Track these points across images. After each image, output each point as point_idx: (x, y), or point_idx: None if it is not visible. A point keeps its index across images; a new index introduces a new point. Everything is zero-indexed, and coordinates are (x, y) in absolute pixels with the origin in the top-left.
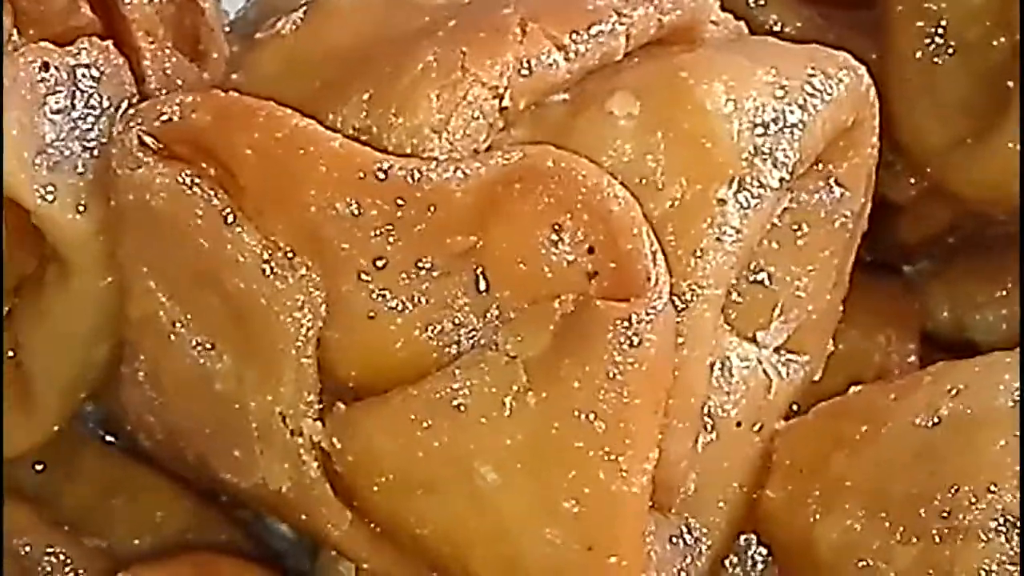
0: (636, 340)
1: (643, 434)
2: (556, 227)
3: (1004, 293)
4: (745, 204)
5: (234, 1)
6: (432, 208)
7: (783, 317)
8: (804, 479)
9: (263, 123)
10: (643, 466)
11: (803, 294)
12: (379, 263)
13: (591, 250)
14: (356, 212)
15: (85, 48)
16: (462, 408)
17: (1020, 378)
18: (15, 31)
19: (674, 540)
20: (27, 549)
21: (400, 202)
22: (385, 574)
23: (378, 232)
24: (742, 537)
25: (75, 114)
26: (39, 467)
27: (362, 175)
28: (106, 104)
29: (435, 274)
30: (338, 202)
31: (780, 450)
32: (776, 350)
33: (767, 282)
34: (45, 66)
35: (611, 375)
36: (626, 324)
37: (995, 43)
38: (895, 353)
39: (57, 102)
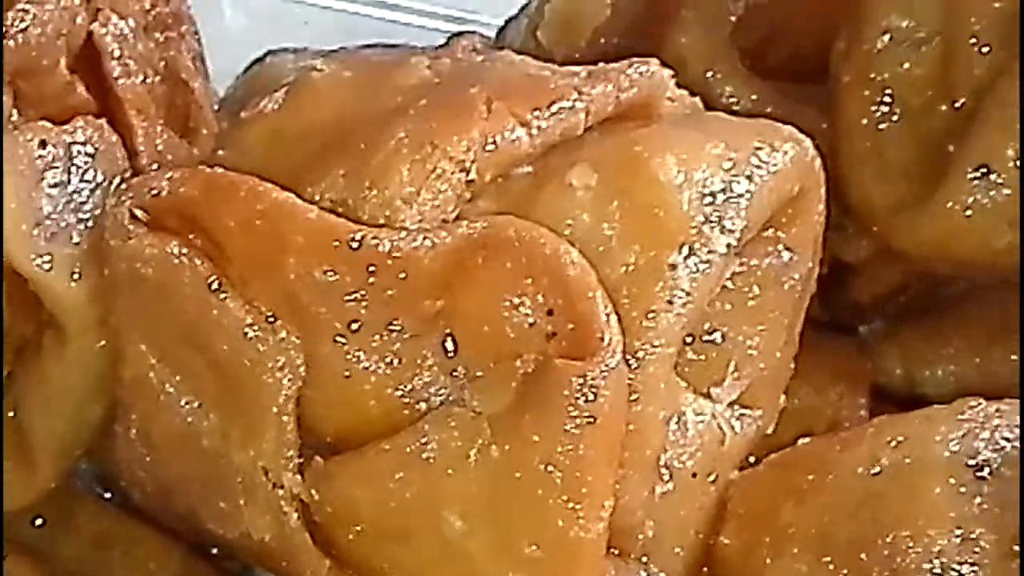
0: (591, 396)
1: (598, 484)
2: (518, 292)
3: (953, 351)
4: (695, 269)
5: (223, 81)
6: (403, 274)
7: (736, 374)
8: (756, 527)
9: (246, 197)
10: (599, 513)
11: (755, 352)
12: (353, 326)
13: (550, 312)
14: (332, 279)
15: (81, 126)
16: (431, 460)
17: (1021, 424)
18: (15, 111)
19: None
20: None
21: (372, 269)
22: None
23: (352, 297)
24: None
25: (71, 188)
26: (38, 522)
27: (337, 244)
28: (100, 178)
29: (406, 336)
30: (315, 270)
31: (734, 499)
32: (730, 405)
33: (720, 341)
34: (43, 144)
35: (568, 429)
36: (581, 381)
37: (937, 109)
38: (846, 408)
39: (54, 177)
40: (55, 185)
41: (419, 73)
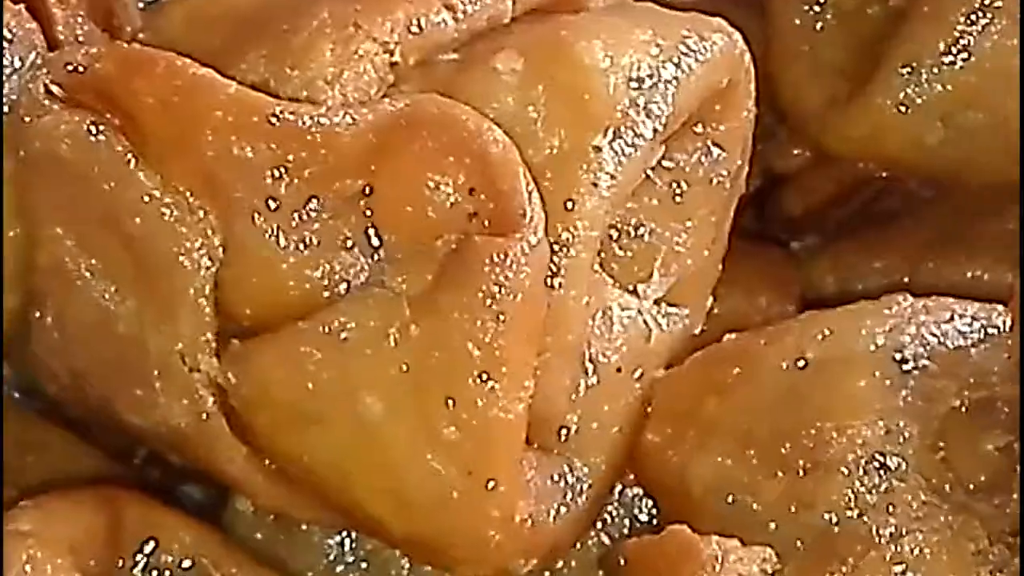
0: (511, 272)
1: (518, 361)
2: (440, 171)
3: (885, 264)
4: (620, 152)
5: None
6: (322, 152)
7: (663, 270)
8: (679, 422)
9: (163, 72)
10: (519, 393)
11: (682, 249)
12: (272, 204)
13: (472, 191)
14: (250, 155)
15: None
16: (349, 341)
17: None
18: None
19: (555, 478)
20: None
21: (292, 146)
22: (279, 508)
23: (271, 175)
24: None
25: None
26: None
27: (256, 119)
28: (17, 64)
29: (325, 216)
30: (233, 146)
31: (658, 396)
32: (656, 302)
33: (648, 237)
34: None
35: (487, 304)
36: (502, 256)
37: (869, 11)
38: (775, 314)
39: None
40: None
41: None
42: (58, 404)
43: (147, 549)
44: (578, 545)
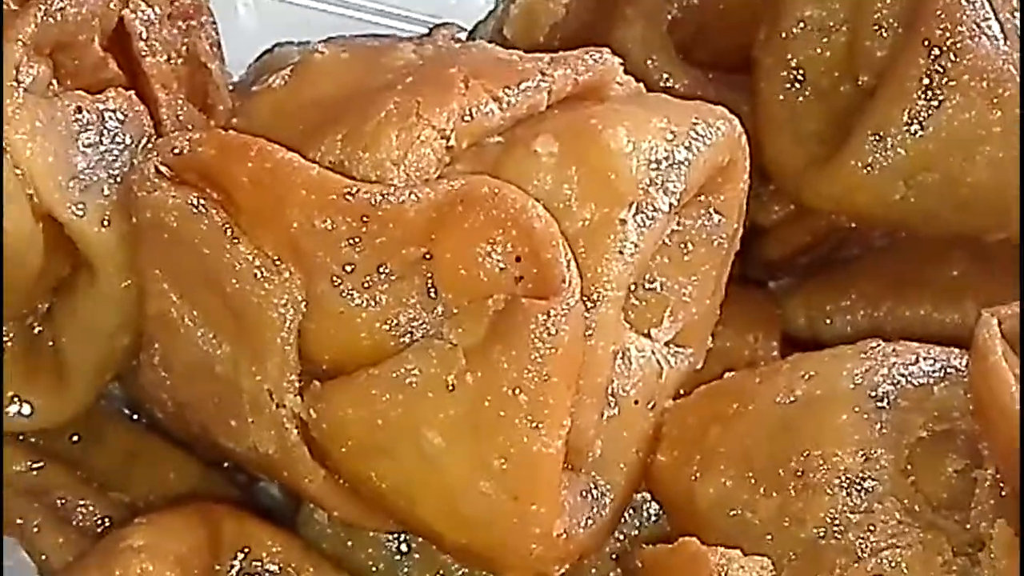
0: (553, 330)
1: (559, 406)
2: (490, 240)
3: (849, 303)
4: (642, 224)
5: (237, 71)
6: (390, 224)
7: (672, 317)
8: (687, 447)
9: (255, 155)
10: (559, 432)
11: (688, 299)
12: (348, 268)
13: (518, 259)
14: (329, 227)
15: (112, 96)
16: (413, 385)
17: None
18: (54, 80)
19: (583, 494)
20: (62, 502)
21: (364, 219)
22: (352, 521)
23: (347, 244)
24: (639, 496)
25: (102, 148)
26: (75, 438)
27: (334, 197)
28: (129, 141)
29: (392, 278)
30: (315, 219)
31: (668, 424)
32: (666, 344)
33: (659, 289)
34: (79, 109)
35: (533, 358)
36: (545, 317)
37: (842, 89)
38: (761, 349)
39: (88, 139)
40: (89, 145)
41: (406, 56)
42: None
43: (240, 557)
44: None
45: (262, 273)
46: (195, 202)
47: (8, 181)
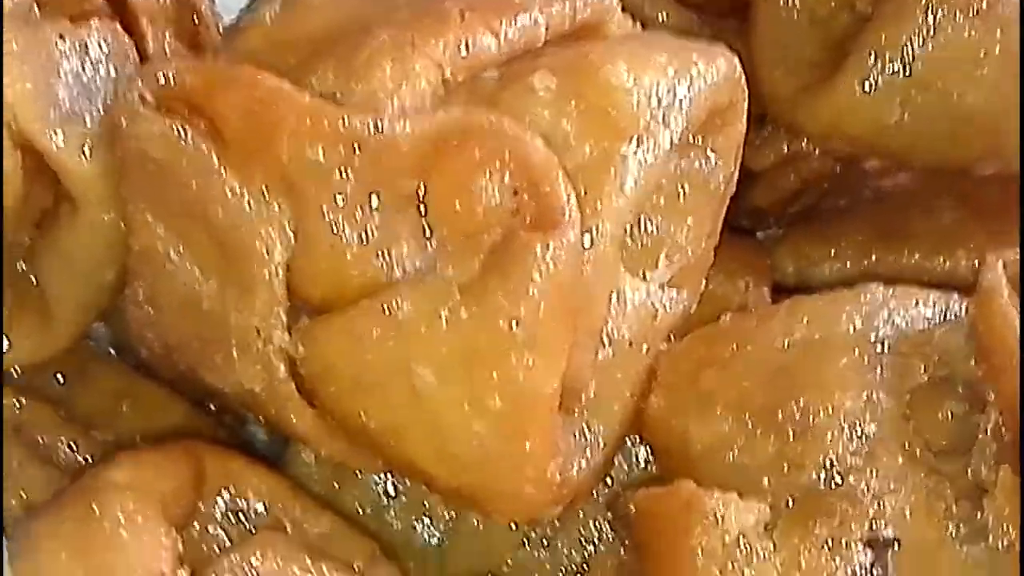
0: (553, 263)
1: (556, 342)
2: (487, 174)
3: (835, 252)
4: (642, 160)
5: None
6: (384, 155)
7: (668, 260)
8: (681, 390)
9: (245, 84)
10: (556, 369)
11: (684, 242)
12: (338, 200)
13: (516, 193)
14: (321, 158)
15: (96, 26)
16: (404, 320)
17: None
18: (36, 8)
19: (576, 436)
20: (44, 439)
21: (357, 149)
22: (339, 460)
23: (338, 175)
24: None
25: (85, 78)
26: (60, 377)
27: (326, 125)
28: (113, 72)
29: (385, 211)
30: (306, 149)
31: (662, 367)
32: (661, 286)
33: (655, 232)
34: (61, 37)
35: (531, 291)
36: (545, 249)
37: (840, 16)
38: (752, 295)
39: (70, 67)
40: (70, 74)
41: None
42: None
43: (226, 496)
44: None
45: (250, 205)
46: (181, 131)
47: None
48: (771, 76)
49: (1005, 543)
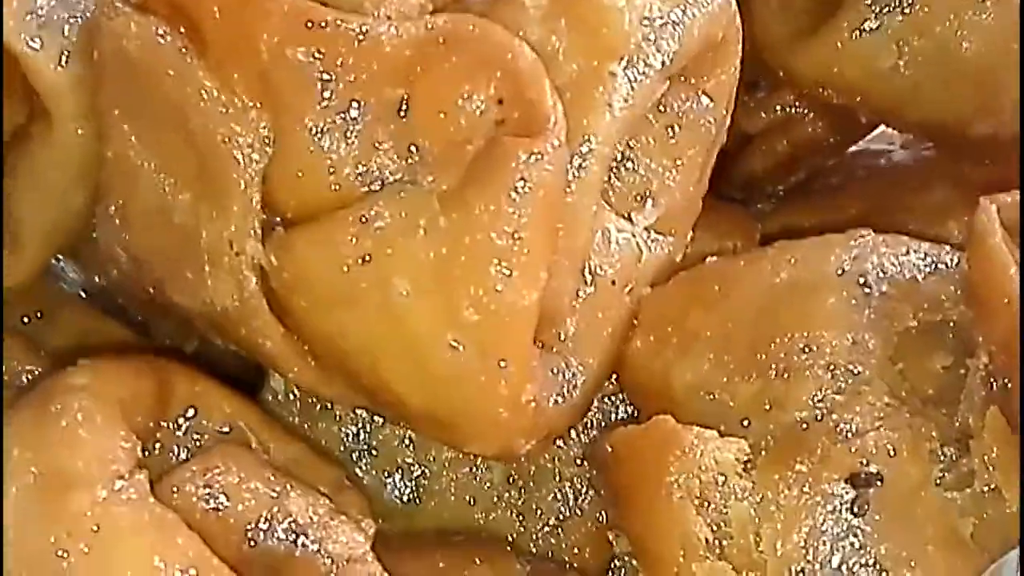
0: (536, 171)
1: (536, 253)
2: (472, 82)
3: (825, 225)
4: (632, 79)
5: None
6: (368, 60)
7: (654, 201)
8: (664, 331)
9: None
10: (535, 284)
11: (672, 184)
12: (318, 105)
13: (501, 102)
14: (301, 59)
15: None
16: (382, 228)
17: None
18: None
19: (554, 372)
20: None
21: (341, 52)
22: (309, 385)
23: (319, 78)
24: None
25: None
26: (26, 319)
27: (310, 24)
28: None
29: (366, 119)
30: (287, 51)
31: (645, 309)
32: (647, 229)
33: (643, 171)
34: None
35: (513, 200)
36: (527, 156)
37: None
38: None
39: None
40: None
41: None
42: (117, 293)
43: (190, 414)
44: (561, 443)
45: (227, 109)
46: (161, 31)
47: None
48: (766, 17)
49: (993, 485)
